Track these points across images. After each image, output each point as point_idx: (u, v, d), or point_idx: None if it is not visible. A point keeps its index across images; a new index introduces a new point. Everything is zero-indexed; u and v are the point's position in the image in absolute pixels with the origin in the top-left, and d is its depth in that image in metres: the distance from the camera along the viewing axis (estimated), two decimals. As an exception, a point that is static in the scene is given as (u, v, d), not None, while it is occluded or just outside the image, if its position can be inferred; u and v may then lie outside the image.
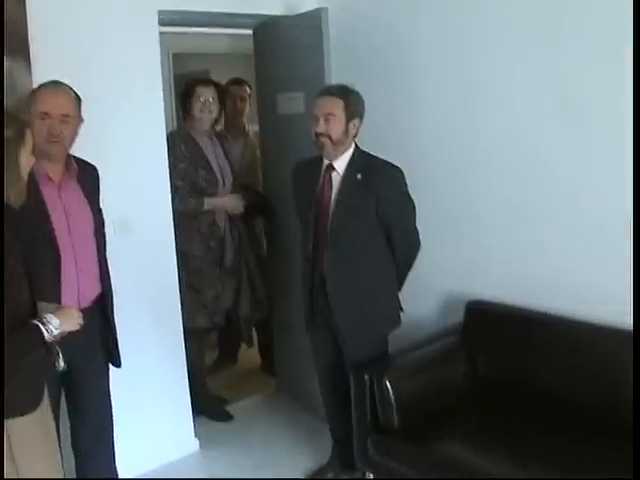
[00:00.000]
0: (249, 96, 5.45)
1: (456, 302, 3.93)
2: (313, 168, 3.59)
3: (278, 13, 4.51)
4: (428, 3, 4.01)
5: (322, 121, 3.42)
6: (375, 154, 3.56)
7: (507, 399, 3.50)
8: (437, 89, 4.04)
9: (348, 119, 3.44)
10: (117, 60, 3.81)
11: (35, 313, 2.52)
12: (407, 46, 4.15)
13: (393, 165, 3.49)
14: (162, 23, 4.05)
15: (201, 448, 4.38)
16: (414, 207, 3.54)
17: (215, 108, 4.58)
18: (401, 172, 3.49)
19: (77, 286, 3.04)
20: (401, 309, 3.70)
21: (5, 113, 2.61)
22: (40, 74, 3.37)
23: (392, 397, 3.33)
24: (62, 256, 2.97)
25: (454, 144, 3.99)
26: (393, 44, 4.21)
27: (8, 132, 2.43)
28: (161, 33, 4.06)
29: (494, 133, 3.78)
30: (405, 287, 3.69)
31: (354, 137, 3.52)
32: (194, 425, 4.41)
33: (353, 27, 4.33)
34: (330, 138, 3.42)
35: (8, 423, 2.44)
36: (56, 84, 3.05)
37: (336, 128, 3.43)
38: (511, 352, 3.60)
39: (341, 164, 3.50)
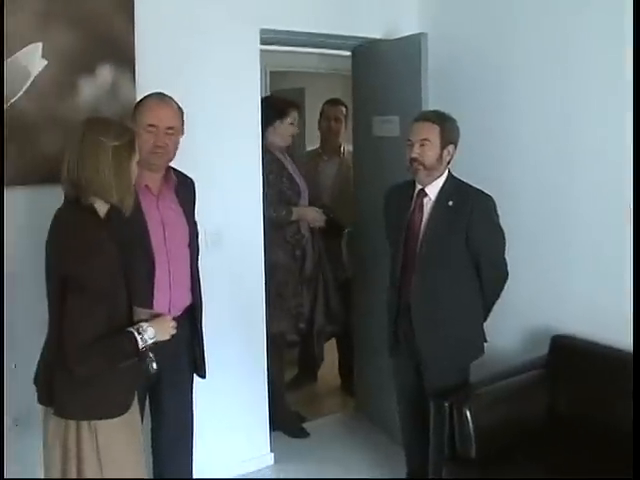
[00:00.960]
0: (345, 117, 5.47)
1: (541, 335, 3.87)
2: (405, 193, 3.59)
3: (377, 36, 4.55)
4: (526, 40, 4.02)
5: (417, 146, 3.42)
6: (468, 182, 3.55)
7: (587, 436, 3.42)
8: (531, 129, 4.02)
9: (443, 146, 3.44)
10: (218, 76, 3.92)
11: (132, 320, 2.59)
12: (504, 82, 4.16)
13: (485, 194, 3.47)
14: (264, 42, 4.14)
15: (276, 463, 4.40)
16: (504, 237, 3.51)
17: (297, 129, 4.74)
18: (493, 201, 3.47)
19: (169, 295, 3.10)
20: (485, 340, 3.67)
21: (119, 124, 2.71)
22: (144, 86, 3.47)
23: (471, 427, 3.30)
24: (157, 266, 3.03)
25: (545, 183, 3.97)
26: (491, 77, 4.22)
27: (122, 141, 2.53)
28: (260, 51, 4.15)
29: (587, 177, 3.73)
30: (492, 318, 3.66)
31: (448, 164, 3.52)
32: (270, 439, 4.43)
33: (451, 55, 4.35)
34: (424, 164, 3.42)
35: (97, 424, 2.52)
36: (161, 96, 3.14)
37: (430, 154, 3.43)
38: (594, 389, 3.53)
39: (433, 190, 3.50)
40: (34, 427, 3.31)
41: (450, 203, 3.45)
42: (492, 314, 3.65)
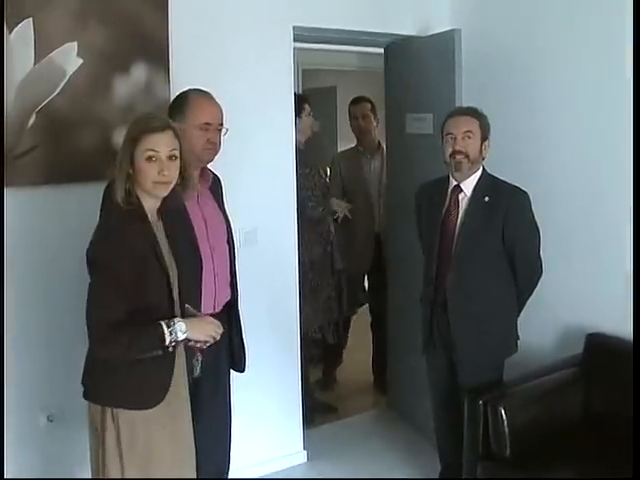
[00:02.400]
0: (372, 112, 5.52)
1: (576, 334, 3.83)
2: (439, 190, 3.59)
3: (410, 33, 4.53)
4: (558, 39, 3.99)
5: (460, 139, 3.42)
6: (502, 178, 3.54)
7: (622, 435, 3.37)
8: (562, 128, 4.00)
9: (482, 139, 3.47)
10: (251, 74, 3.93)
11: (172, 315, 2.61)
12: (535, 80, 4.13)
13: (521, 190, 3.46)
14: (296, 39, 4.14)
15: (309, 460, 4.40)
16: (539, 233, 3.50)
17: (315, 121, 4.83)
18: (528, 197, 3.46)
19: (214, 291, 3.12)
20: (518, 337, 3.65)
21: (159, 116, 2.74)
22: (178, 84, 3.49)
23: (506, 425, 3.29)
24: (203, 262, 3.04)
25: (576, 181, 3.95)
26: (522, 75, 4.20)
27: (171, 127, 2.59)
28: (293, 48, 4.15)
29: (617, 175, 3.69)
30: (526, 316, 3.64)
31: (483, 159, 3.52)
32: (303, 437, 4.44)
33: (483, 51, 4.31)
34: (468, 156, 3.43)
35: (119, 413, 2.55)
36: (207, 94, 3.15)
37: (474, 147, 3.44)
38: (629, 388, 3.48)
39: (469, 186, 3.49)
40: (68, 423, 3.40)
41: (486, 199, 3.45)
42: (527, 312, 3.64)
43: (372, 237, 5.43)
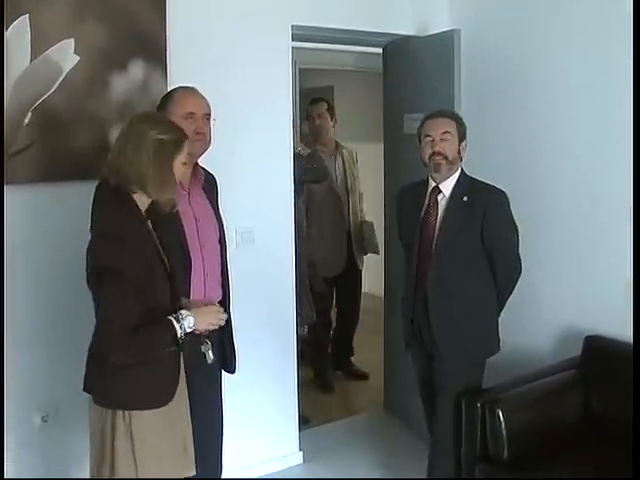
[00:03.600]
0: (329, 112, 5.57)
1: (574, 336, 3.82)
2: (419, 191, 3.59)
3: (409, 33, 4.52)
4: (558, 40, 3.97)
5: (438, 140, 3.43)
6: (481, 179, 3.54)
7: (620, 438, 3.36)
8: (563, 128, 3.98)
9: (460, 140, 3.48)
10: (249, 72, 3.91)
11: (174, 310, 2.62)
12: (533, 83, 4.13)
13: (499, 189, 3.48)
14: (294, 38, 4.12)
15: (305, 461, 4.39)
16: (517, 232, 3.49)
17: None
18: (506, 196, 3.47)
19: (204, 290, 3.09)
20: (499, 338, 3.61)
21: (172, 123, 2.71)
22: (175, 82, 3.48)
23: (503, 427, 3.28)
24: (192, 260, 3.03)
25: (577, 181, 3.92)
26: (520, 77, 4.19)
27: (168, 136, 2.56)
28: (291, 48, 4.14)
29: (619, 175, 3.66)
30: (523, 318, 3.64)
31: (461, 160, 3.52)
32: (299, 438, 4.42)
33: (481, 52, 4.32)
34: (447, 158, 3.42)
35: (132, 414, 2.54)
36: (190, 88, 3.13)
37: (452, 147, 3.45)
38: (628, 390, 3.46)
39: (448, 186, 3.50)
40: (61, 422, 3.38)
41: (465, 199, 3.45)
42: (525, 314, 3.65)
43: (344, 236, 5.55)
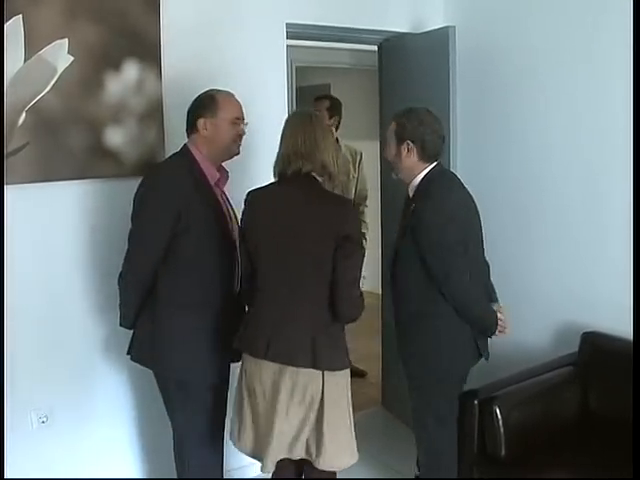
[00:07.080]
0: (328, 111, 5.50)
1: (571, 332, 3.83)
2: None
3: (404, 30, 4.51)
4: (554, 36, 3.97)
5: (386, 143, 3.39)
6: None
7: (618, 435, 3.36)
8: (560, 125, 3.98)
9: (399, 142, 3.27)
10: (244, 71, 3.90)
11: None
12: (529, 79, 4.12)
13: (431, 196, 3.21)
14: (290, 36, 4.12)
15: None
16: (444, 246, 3.15)
17: None
18: (433, 205, 3.19)
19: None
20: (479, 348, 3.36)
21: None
22: (169, 82, 3.50)
23: (500, 425, 3.28)
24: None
25: (574, 179, 3.91)
26: (516, 74, 4.18)
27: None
28: (287, 46, 4.13)
29: (618, 173, 3.66)
30: (521, 314, 3.61)
31: (421, 161, 3.28)
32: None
33: (477, 49, 4.30)
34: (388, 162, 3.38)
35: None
36: (230, 92, 3.26)
37: (389, 151, 3.34)
38: (625, 386, 3.47)
39: (411, 191, 3.34)
40: (60, 423, 3.38)
41: (412, 206, 3.25)
42: (522, 311, 3.62)
43: None
